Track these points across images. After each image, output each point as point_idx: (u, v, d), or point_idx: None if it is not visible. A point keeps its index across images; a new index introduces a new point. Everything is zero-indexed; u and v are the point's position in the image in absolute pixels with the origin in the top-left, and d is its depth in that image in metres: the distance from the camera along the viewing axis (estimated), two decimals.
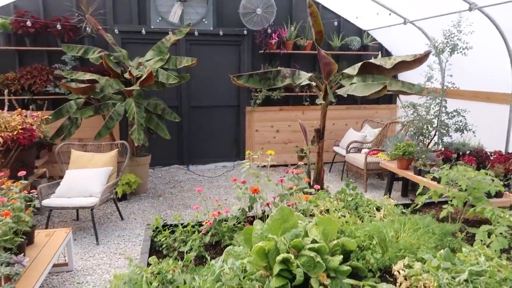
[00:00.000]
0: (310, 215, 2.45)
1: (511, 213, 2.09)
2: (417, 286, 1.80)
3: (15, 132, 4.11)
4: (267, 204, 2.43)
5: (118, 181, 4.80)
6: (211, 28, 6.81)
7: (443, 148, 5.47)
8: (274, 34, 6.66)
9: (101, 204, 4.51)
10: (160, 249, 2.23)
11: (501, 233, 1.97)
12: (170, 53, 5.68)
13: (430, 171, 4.97)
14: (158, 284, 1.59)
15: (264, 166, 4.43)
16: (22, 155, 4.48)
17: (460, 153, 5.31)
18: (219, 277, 1.54)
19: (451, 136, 5.47)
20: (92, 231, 4.55)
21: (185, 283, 1.64)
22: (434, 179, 4.84)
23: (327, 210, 2.58)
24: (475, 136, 5.36)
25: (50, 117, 5.21)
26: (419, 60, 3.63)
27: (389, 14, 6.18)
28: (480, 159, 5.00)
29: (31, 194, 3.13)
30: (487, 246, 1.97)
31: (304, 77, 3.71)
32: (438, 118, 5.45)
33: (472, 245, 2.08)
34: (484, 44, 5.16)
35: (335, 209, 2.55)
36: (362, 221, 2.48)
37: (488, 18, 4.97)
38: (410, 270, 1.83)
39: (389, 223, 2.30)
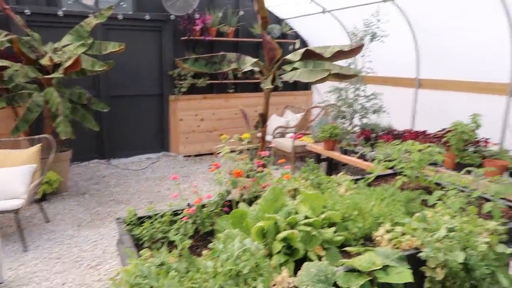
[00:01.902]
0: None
1: (459, 177, 2.43)
2: (398, 248, 1.99)
3: None
4: (244, 187, 2.44)
5: (43, 179, 4.32)
6: (131, 12, 6.41)
7: (360, 129, 5.99)
8: (198, 20, 6.53)
9: (27, 205, 4.03)
10: (141, 242, 2.10)
11: (457, 195, 2.28)
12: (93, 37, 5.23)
13: (355, 150, 5.44)
14: (177, 274, 1.52)
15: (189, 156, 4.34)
16: None
17: (377, 132, 5.88)
18: (236, 259, 1.53)
19: (368, 118, 6.01)
20: (14, 237, 4.07)
21: (198, 270, 1.59)
22: (360, 157, 5.31)
23: (295, 189, 2.69)
24: (389, 117, 5.97)
25: None
26: (354, 50, 3.91)
27: (310, 3, 6.48)
28: (395, 137, 5.60)
29: None
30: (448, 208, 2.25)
31: (249, 62, 3.74)
32: (357, 101, 5.93)
33: (428, 208, 2.36)
34: (394, 33, 5.72)
35: (304, 187, 2.67)
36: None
37: (400, 10, 5.54)
38: (393, 233, 2.02)
39: (357, 196, 2.48)
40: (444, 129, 4.90)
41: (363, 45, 4.00)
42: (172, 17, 6.65)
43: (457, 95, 5.53)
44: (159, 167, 6.80)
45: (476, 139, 4.70)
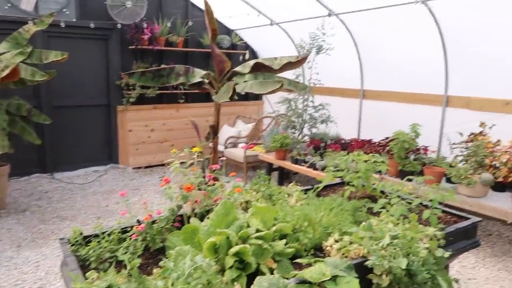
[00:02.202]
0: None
1: (401, 186, 2.57)
2: (347, 256, 2.06)
3: None
4: (196, 201, 2.41)
5: None
6: (74, 20, 6.17)
7: (309, 139, 6.16)
8: (146, 29, 6.42)
9: None
10: (87, 263, 2.01)
11: (400, 203, 2.41)
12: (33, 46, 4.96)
13: (306, 159, 5.57)
14: None
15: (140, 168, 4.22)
16: None
17: (325, 142, 6.06)
18: (188, 277, 1.51)
19: (317, 127, 6.19)
20: None
21: None
22: (310, 166, 5.44)
23: (247, 202, 2.70)
24: (337, 126, 6.18)
25: None
26: (300, 61, 4.02)
27: (258, 15, 6.60)
28: (343, 146, 5.81)
29: None
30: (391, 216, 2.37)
31: (198, 75, 3.73)
32: (306, 112, 6.10)
33: (374, 216, 2.46)
34: (340, 46, 5.97)
35: (255, 200, 2.69)
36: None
37: (343, 24, 5.78)
38: (341, 242, 2.09)
39: (307, 206, 2.54)
40: (387, 137, 5.16)
41: (308, 55, 4.13)
42: (119, 25, 6.48)
43: (398, 106, 5.86)
44: (107, 180, 6.55)
45: (417, 147, 5.00)
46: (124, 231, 2.25)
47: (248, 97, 8.39)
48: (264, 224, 2.11)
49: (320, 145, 5.86)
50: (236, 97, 3.69)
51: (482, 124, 4.45)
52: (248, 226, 2.07)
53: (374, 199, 2.84)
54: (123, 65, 6.73)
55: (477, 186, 4.06)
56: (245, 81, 3.81)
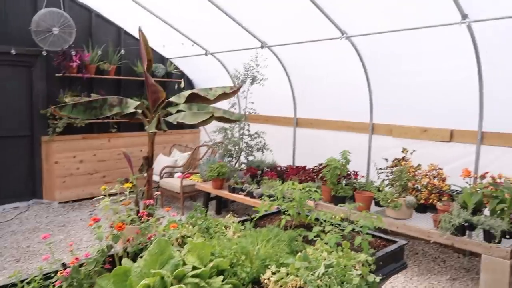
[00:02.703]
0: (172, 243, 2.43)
1: (335, 215, 2.66)
2: None
3: None
4: (128, 240, 2.29)
5: None
6: None
7: (246, 167, 6.21)
8: (75, 56, 6.16)
9: None
10: None
11: (333, 230, 2.48)
12: None
13: (243, 188, 5.59)
14: None
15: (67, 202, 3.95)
16: None
17: (262, 169, 6.15)
18: None
19: (254, 155, 6.26)
20: None
21: None
22: (247, 194, 5.46)
23: (183, 236, 2.62)
24: (272, 154, 6.31)
25: None
26: (234, 92, 4.10)
27: (192, 45, 6.64)
28: (279, 173, 5.92)
29: None
30: (325, 244, 2.43)
31: (132, 106, 3.63)
32: (242, 140, 6.17)
33: (308, 245, 2.52)
34: (274, 76, 6.18)
35: (192, 234, 2.62)
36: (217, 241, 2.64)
37: (275, 56, 6.01)
38: (278, 274, 2.09)
39: (244, 239, 2.53)
40: (321, 164, 5.35)
41: (241, 86, 4.22)
42: (45, 52, 6.15)
43: (329, 133, 6.14)
44: (29, 217, 6.02)
45: (348, 173, 5.24)
46: (47, 277, 2.07)
47: (184, 126, 8.29)
48: (200, 260, 2.05)
49: (257, 172, 5.93)
50: (165, 129, 3.62)
51: (404, 150, 4.79)
52: (184, 263, 2.01)
53: (309, 227, 2.91)
54: (49, 94, 6.37)
55: (402, 208, 4.32)
56: (178, 111, 3.77)
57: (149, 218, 2.51)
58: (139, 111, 3.87)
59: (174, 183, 6.39)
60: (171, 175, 6.94)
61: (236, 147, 6.06)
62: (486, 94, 4.39)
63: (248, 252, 2.28)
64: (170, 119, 3.70)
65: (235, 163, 6.31)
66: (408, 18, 4.38)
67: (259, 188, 5.40)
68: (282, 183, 5.55)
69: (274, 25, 5.59)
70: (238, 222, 3.10)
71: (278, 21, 5.44)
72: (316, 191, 2.85)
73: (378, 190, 4.79)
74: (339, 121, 5.99)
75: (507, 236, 3.55)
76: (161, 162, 7.12)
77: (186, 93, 3.83)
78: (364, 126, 5.70)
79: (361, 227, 2.48)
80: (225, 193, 5.73)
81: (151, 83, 3.51)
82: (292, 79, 6.35)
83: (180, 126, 8.22)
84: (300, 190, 2.93)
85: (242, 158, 6.34)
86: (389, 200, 4.37)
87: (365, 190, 4.95)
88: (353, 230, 2.49)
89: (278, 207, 3.16)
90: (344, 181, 5.23)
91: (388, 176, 4.78)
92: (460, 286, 4.05)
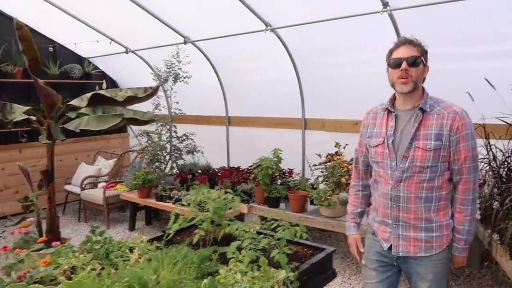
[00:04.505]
0: (51, 281, 1.97)
1: (253, 226, 2.33)
2: None
3: None
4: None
5: None
6: None
7: (177, 171, 5.77)
8: None
9: None
10: None
11: (250, 245, 2.15)
12: None
13: (171, 195, 5.14)
14: None
15: None
16: None
17: (193, 173, 5.74)
18: None
19: (184, 159, 5.83)
20: None
21: None
22: (176, 201, 5.02)
23: (73, 268, 2.17)
24: (203, 156, 5.92)
25: None
26: (150, 94, 3.65)
27: (110, 43, 6.06)
28: (210, 176, 5.55)
29: None
30: (240, 261, 2.09)
31: (18, 111, 3.07)
32: (171, 143, 5.71)
33: (226, 263, 2.17)
34: (201, 73, 5.78)
35: (83, 264, 2.17)
36: (117, 269, 2.21)
37: (200, 51, 5.61)
38: None
39: (146, 264, 2.13)
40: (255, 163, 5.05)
41: (159, 87, 3.78)
42: None
43: (263, 130, 5.87)
44: None
45: (282, 171, 4.99)
46: None
47: (109, 130, 7.63)
48: None
49: (187, 177, 5.51)
50: (63, 137, 3.12)
51: (337, 144, 4.61)
52: None
53: (233, 239, 2.56)
54: None
55: (336, 206, 4.13)
56: (80, 116, 3.27)
57: (23, 251, 2.02)
58: (33, 118, 3.31)
59: (96, 195, 5.78)
60: (95, 185, 6.31)
61: (164, 151, 5.59)
62: None
63: (146, 282, 1.88)
64: (70, 126, 3.19)
65: (164, 168, 5.84)
66: (332, 8, 4.18)
67: (188, 194, 4.97)
68: (213, 187, 5.22)
69: (197, 19, 5.19)
70: (149, 241, 2.69)
71: (201, 14, 5.04)
72: (233, 199, 2.51)
73: (313, 188, 4.58)
74: (272, 117, 5.73)
75: None
76: (83, 171, 6.46)
77: (89, 94, 3.33)
78: (297, 121, 5.48)
79: (278, 239, 2.18)
80: (151, 202, 5.25)
81: (40, 86, 2.98)
82: (221, 76, 5.99)
83: (105, 130, 7.58)
84: (217, 198, 2.58)
85: (172, 163, 5.89)
86: (322, 198, 4.16)
87: (300, 189, 4.73)
88: (269, 244, 2.17)
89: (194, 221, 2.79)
90: (279, 180, 4.98)
91: (323, 172, 4.59)
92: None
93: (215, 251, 2.36)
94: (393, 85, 2.02)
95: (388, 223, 2.07)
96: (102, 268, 2.24)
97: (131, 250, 2.49)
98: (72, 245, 2.55)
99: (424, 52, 1.98)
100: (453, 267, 2.13)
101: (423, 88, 2.05)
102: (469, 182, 1.96)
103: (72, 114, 3.32)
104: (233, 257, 2.20)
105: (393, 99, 2.10)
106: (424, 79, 2.03)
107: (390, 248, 2.08)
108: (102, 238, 2.49)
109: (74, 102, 3.40)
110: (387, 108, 2.08)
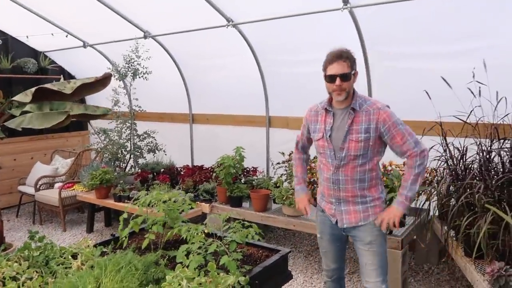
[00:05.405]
0: None
1: (201, 230, 2.22)
2: None
3: None
4: None
5: None
6: None
7: (139, 170, 5.58)
8: None
9: None
10: None
11: (199, 250, 2.05)
12: None
13: (130, 195, 4.95)
14: None
15: None
16: None
17: (155, 172, 5.56)
18: None
19: (145, 157, 5.64)
20: None
21: None
22: (135, 202, 4.84)
23: (4, 279, 2.00)
24: (166, 154, 5.75)
25: None
26: (102, 83, 3.47)
27: (66, 36, 5.78)
28: (172, 175, 5.39)
29: None
30: (187, 267, 1.99)
31: None
32: (131, 141, 5.51)
33: (174, 269, 2.06)
34: (164, 69, 5.60)
35: (17, 273, 2.00)
36: (56, 278, 2.06)
37: (162, 47, 5.43)
38: None
39: (88, 271, 1.99)
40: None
41: (111, 75, 3.61)
42: None
43: (227, 128, 5.75)
44: None
45: (246, 170, 4.90)
46: None
47: (69, 127, 7.32)
48: None
49: (148, 176, 5.33)
50: (2, 135, 2.90)
51: None
52: None
53: (186, 242, 2.45)
54: None
55: None
56: (23, 113, 3.05)
57: None
58: None
59: (52, 196, 5.50)
60: (51, 185, 6.02)
61: (123, 149, 5.38)
62: (373, 79, 4.29)
63: None
64: (12, 124, 2.97)
65: (125, 168, 5.63)
66: (293, 4, 4.11)
67: (148, 194, 4.81)
68: (174, 186, 5.08)
69: (158, 13, 5.00)
70: (96, 245, 2.55)
71: (161, 8, 4.85)
72: (184, 202, 2.40)
73: (276, 187, 4.52)
74: (236, 115, 5.62)
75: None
76: (38, 171, 6.14)
77: (33, 89, 3.12)
78: (261, 119, 5.40)
79: (229, 242, 2.08)
80: (109, 203, 5.03)
81: None
82: (184, 72, 5.83)
83: (65, 127, 7.25)
84: (168, 200, 2.46)
85: (132, 162, 5.69)
86: (284, 197, 4.10)
87: (263, 187, 4.65)
88: (216, 249, 2.07)
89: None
90: (242, 179, 4.89)
91: (286, 170, 4.53)
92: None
93: (164, 256, 2.24)
94: (330, 93, 2.38)
95: (332, 201, 2.46)
96: (42, 277, 2.08)
97: (74, 256, 2.34)
98: (11, 251, 2.36)
99: (353, 63, 2.31)
100: (383, 222, 2.35)
101: (353, 89, 2.38)
102: (416, 153, 2.28)
103: (17, 111, 3.10)
104: (181, 262, 2.10)
105: (330, 99, 2.45)
106: (354, 81, 2.36)
107: (337, 222, 2.47)
108: (42, 244, 2.32)
109: (17, 97, 3.18)
110: (325, 108, 2.44)
